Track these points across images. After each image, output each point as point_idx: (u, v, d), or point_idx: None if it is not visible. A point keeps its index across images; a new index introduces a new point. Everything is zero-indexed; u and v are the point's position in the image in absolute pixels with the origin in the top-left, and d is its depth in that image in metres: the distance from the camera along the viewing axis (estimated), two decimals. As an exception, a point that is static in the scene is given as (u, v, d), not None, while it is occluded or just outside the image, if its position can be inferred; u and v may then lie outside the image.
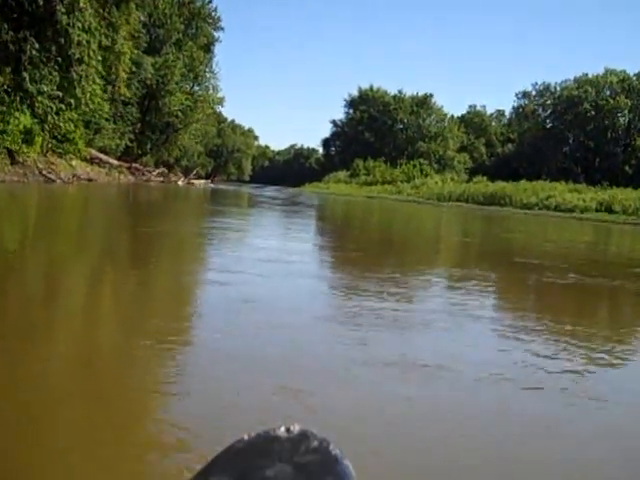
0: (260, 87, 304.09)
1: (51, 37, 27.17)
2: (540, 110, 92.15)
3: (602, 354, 5.17)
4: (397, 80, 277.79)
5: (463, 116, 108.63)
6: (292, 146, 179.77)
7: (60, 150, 35.78)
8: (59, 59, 27.89)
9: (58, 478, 2.57)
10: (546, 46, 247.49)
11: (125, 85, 40.05)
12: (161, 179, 57.64)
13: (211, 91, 72.52)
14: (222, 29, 71.60)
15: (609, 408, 3.95)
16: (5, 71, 27.39)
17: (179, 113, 66.58)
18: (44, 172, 30.44)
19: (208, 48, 70.82)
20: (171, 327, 4.98)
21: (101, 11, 31.63)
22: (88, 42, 28.07)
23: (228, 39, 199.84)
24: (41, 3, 26.25)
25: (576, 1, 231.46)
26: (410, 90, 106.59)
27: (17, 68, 27.07)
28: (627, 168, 77.55)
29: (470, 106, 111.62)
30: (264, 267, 8.33)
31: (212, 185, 68.46)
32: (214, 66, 73.41)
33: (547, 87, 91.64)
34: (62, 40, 27.08)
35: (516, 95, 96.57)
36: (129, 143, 61.32)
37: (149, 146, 69.54)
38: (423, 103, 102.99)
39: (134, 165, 56.35)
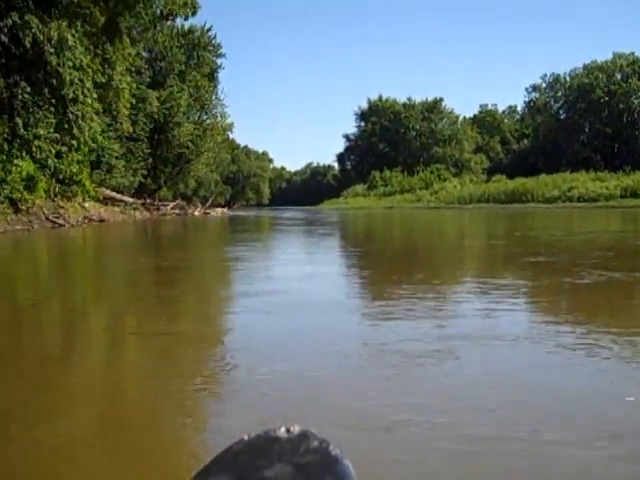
0: (270, 110, 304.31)
1: (42, 79, 26.28)
2: (552, 102, 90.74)
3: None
4: (405, 88, 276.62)
5: (475, 116, 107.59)
6: (308, 165, 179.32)
7: (69, 193, 34.93)
8: (53, 101, 26.99)
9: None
10: (551, 37, 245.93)
11: (129, 121, 39.06)
12: (177, 212, 56.74)
13: (219, 118, 71.85)
14: (224, 56, 70.99)
15: None
16: (3, 119, 26.57)
17: (189, 144, 65.87)
18: (51, 217, 29.53)
19: (212, 76, 70.12)
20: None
21: (92, 48, 30.67)
22: (81, 80, 27.14)
23: (231, 64, 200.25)
24: (28, 46, 25.37)
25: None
26: (419, 96, 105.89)
27: (10, 114, 26.19)
28: (648, 150, 75.87)
29: (481, 106, 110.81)
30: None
31: (229, 212, 67.45)
32: (220, 93, 72.93)
33: (557, 78, 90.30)
34: (54, 81, 26.17)
35: (526, 89, 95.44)
36: (142, 179, 60.69)
37: (163, 180, 68.90)
38: (434, 108, 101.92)
39: (148, 201, 55.60)
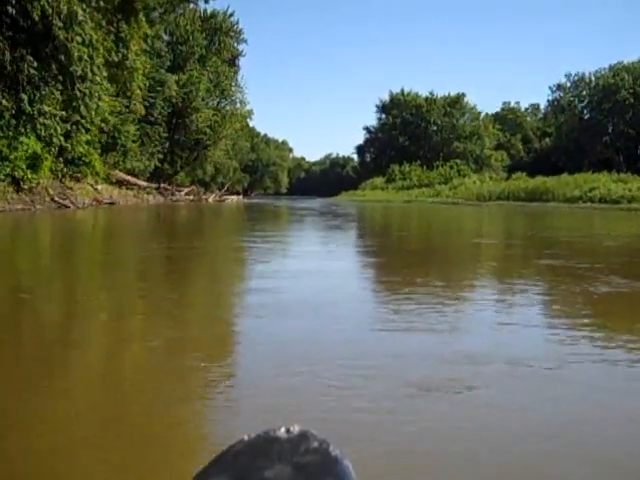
0: (291, 99, 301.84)
1: (50, 54, 25.05)
2: (576, 101, 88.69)
3: None
4: (428, 82, 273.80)
5: (497, 113, 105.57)
6: (327, 156, 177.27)
7: (77, 174, 33.84)
8: (60, 77, 25.76)
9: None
10: (576, 37, 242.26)
11: (142, 102, 37.72)
12: (191, 197, 55.61)
13: (238, 105, 70.54)
14: (245, 42, 69.68)
15: None
16: (10, 93, 25.40)
17: (207, 129, 64.65)
18: (56, 198, 28.40)
19: (233, 62, 68.90)
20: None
21: (106, 25, 29.46)
22: (91, 57, 25.87)
23: (254, 52, 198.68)
24: (37, 19, 24.15)
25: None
26: (442, 91, 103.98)
27: (15, 89, 25.01)
28: (672, 154, 73.99)
29: (504, 103, 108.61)
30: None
31: (244, 200, 66.21)
32: (240, 79, 71.54)
33: (582, 78, 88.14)
34: (62, 57, 24.94)
35: (550, 88, 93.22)
36: (159, 164, 59.63)
37: (179, 165, 67.79)
38: (456, 103, 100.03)
39: (163, 185, 54.52)
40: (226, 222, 27.27)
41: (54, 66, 25.29)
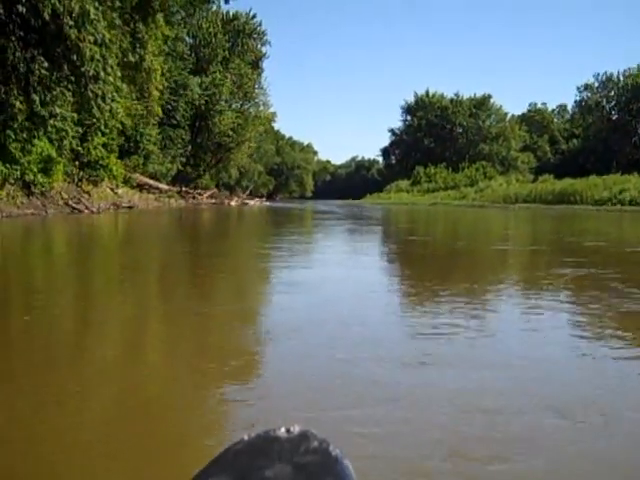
0: (317, 102, 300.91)
1: (62, 54, 24.11)
2: (604, 102, 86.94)
3: None
4: (453, 83, 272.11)
5: (524, 115, 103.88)
6: (353, 158, 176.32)
7: (94, 178, 32.98)
8: (72, 78, 24.82)
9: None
10: (605, 37, 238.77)
11: (159, 104, 36.78)
12: (213, 201, 54.74)
13: (261, 107, 69.74)
14: (269, 43, 68.86)
15: None
16: (23, 95, 24.53)
17: (230, 132, 63.85)
18: (69, 202, 27.50)
19: (256, 64, 68.09)
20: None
21: (120, 23, 28.50)
22: (103, 57, 24.90)
23: (280, 54, 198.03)
24: (47, 18, 23.22)
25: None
26: (467, 92, 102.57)
27: (26, 90, 24.11)
28: None
29: (530, 104, 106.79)
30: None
31: (267, 204, 65.17)
32: (263, 82, 70.74)
33: (610, 77, 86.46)
34: (74, 57, 23.99)
35: (578, 88, 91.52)
36: (181, 167, 58.92)
37: (203, 168, 67.08)
38: (482, 104, 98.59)
39: (184, 189, 53.75)
40: (245, 227, 26.20)
41: (66, 66, 24.33)
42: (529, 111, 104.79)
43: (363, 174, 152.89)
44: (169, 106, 53.67)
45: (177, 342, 5.05)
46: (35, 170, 25.26)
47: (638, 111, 79.14)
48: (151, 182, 47.87)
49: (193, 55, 59.77)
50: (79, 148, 28.84)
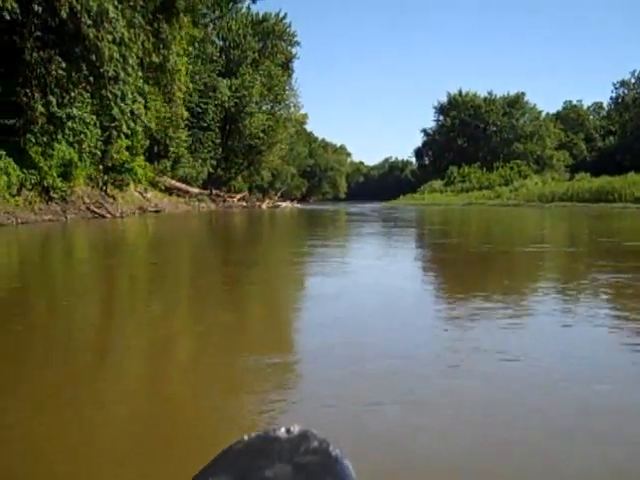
0: (349, 103, 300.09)
1: (80, 54, 23.13)
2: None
3: None
4: (487, 82, 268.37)
5: (558, 113, 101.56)
6: (386, 160, 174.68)
7: (119, 182, 32.05)
8: (91, 79, 23.86)
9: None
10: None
11: (182, 106, 35.74)
12: (244, 204, 53.70)
13: (292, 109, 68.66)
14: (298, 44, 67.72)
15: None
16: (41, 97, 23.64)
17: (261, 134, 62.86)
18: (91, 207, 26.52)
19: (286, 65, 67.04)
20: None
21: (143, 23, 27.49)
22: (123, 57, 23.90)
23: (311, 57, 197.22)
24: (65, 16, 22.27)
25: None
26: (501, 91, 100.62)
27: (43, 92, 23.18)
28: None
29: (565, 102, 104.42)
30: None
31: (299, 206, 63.97)
32: (294, 83, 69.69)
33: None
34: (93, 57, 23.00)
35: (614, 85, 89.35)
36: (212, 170, 58.08)
37: (234, 171, 66.21)
38: (515, 103, 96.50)
39: (215, 192, 52.83)
40: (275, 231, 24.99)
41: (84, 67, 23.37)
42: (564, 109, 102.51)
43: (396, 175, 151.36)
44: (199, 109, 52.88)
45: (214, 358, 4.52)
46: (55, 175, 24.32)
47: (677, 107, 76.88)
48: (180, 185, 47.03)
49: (223, 57, 58.87)
50: (97, 151, 27.83)
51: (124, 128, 25.71)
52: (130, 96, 24.64)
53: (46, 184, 23.83)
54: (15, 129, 23.68)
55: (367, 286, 8.07)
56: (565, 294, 7.50)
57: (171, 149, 46.42)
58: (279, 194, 69.39)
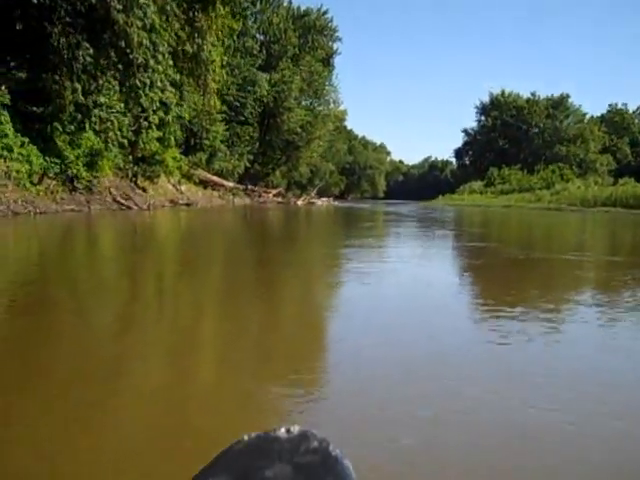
0: (390, 101, 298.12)
1: (108, 40, 22.14)
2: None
3: None
4: (530, 83, 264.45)
5: (603, 116, 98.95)
6: (426, 159, 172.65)
7: (150, 173, 31.11)
8: (120, 66, 22.86)
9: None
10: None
11: (216, 97, 34.64)
12: (279, 199, 52.62)
13: (332, 105, 67.35)
14: (340, 40, 66.40)
15: None
16: (72, 84, 22.71)
17: (299, 130, 61.72)
18: (118, 198, 25.57)
19: (327, 61, 65.79)
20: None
21: (176, 10, 26.47)
22: (154, 44, 22.85)
23: (353, 54, 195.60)
24: (94, 1, 21.31)
25: None
26: (544, 92, 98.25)
27: (70, 78, 22.22)
28: None
29: (610, 105, 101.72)
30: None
31: (335, 203, 62.69)
32: (334, 79, 68.37)
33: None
34: (122, 43, 22.00)
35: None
36: (248, 164, 57.12)
37: (271, 166, 65.20)
38: (559, 104, 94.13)
39: (250, 187, 51.82)
40: (310, 230, 23.73)
41: (113, 53, 22.39)
42: (609, 112, 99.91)
43: (436, 175, 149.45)
44: (237, 103, 51.93)
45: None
46: (80, 164, 23.39)
47: None
48: (215, 179, 46.09)
49: (263, 51, 57.84)
50: (124, 140, 26.84)
51: (153, 118, 24.68)
52: (159, 84, 23.61)
53: (70, 173, 22.89)
54: (43, 116, 22.82)
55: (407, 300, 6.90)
56: (606, 314, 6.20)
57: (207, 142, 45.51)
58: (315, 191, 68.12)
